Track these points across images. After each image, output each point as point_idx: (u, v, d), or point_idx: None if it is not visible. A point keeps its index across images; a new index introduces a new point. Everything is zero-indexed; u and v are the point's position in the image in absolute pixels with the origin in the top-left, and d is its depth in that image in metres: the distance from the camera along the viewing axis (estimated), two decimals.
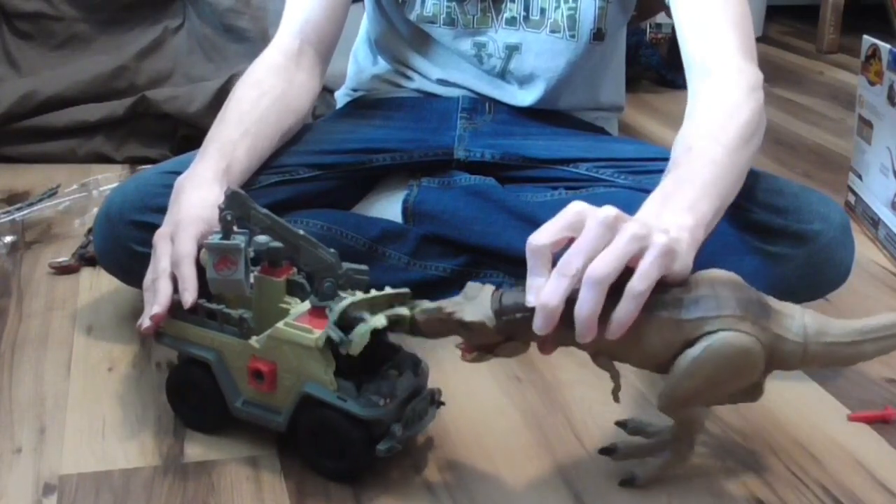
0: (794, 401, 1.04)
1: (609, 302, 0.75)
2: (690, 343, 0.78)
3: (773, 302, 0.81)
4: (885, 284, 1.34)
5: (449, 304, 0.81)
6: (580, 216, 0.77)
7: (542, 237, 0.77)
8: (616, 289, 0.75)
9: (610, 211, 0.77)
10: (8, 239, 1.39)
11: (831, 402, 1.04)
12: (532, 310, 0.77)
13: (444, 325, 0.81)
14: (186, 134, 1.75)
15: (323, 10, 1.20)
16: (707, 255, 1.08)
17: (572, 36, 1.20)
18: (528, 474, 0.91)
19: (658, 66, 2.34)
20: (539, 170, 1.22)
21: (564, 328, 0.77)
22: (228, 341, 0.91)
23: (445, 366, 1.05)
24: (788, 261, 1.05)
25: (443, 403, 0.93)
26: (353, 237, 1.16)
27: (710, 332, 0.77)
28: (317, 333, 0.86)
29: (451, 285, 1.19)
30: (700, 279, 0.80)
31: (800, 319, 0.81)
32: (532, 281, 0.77)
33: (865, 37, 1.48)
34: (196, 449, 0.94)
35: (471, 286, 0.82)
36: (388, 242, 1.18)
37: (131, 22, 1.86)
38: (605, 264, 0.75)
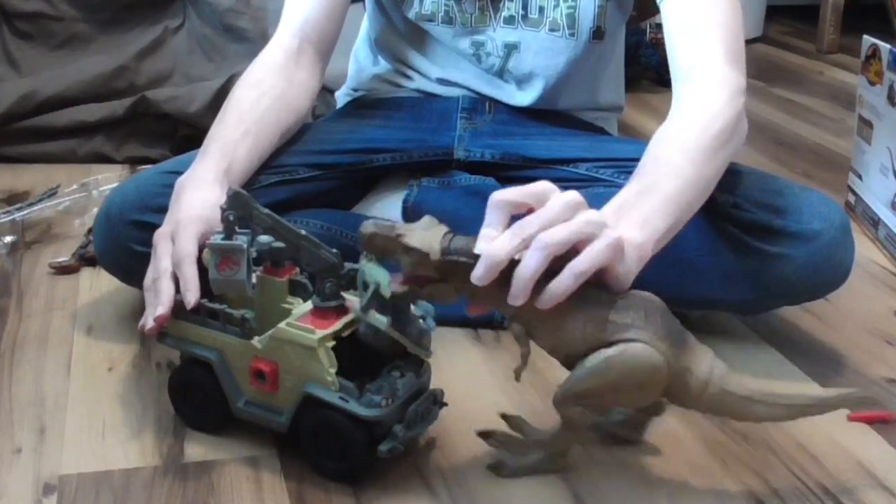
0: None
1: (546, 277, 0.78)
2: (607, 344, 0.80)
3: (691, 340, 0.83)
4: (885, 284, 1.34)
5: (401, 227, 0.82)
6: (546, 192, 0.80)
7: (505, 194, 0.80)
8: (557, 269, 0.78)
9: (575, 196, 0.80)
10: (8, 239, 1.39)
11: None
12: (476, 258, 0.78)
13: (389, 243, 0.81)
14: (186, 134, 1.75)
15: (322, 9, 1.20)
16: (706, 254, 1.09)
17: (571, 34, 1.20)
18: (527, 474, 0.91)
19: (658, 66, 2.34)
20: (539, 170, 1.22)
21: (498, 287, 0.78)
22: (230, 341, 0.91)
23: (445, 366, 1.05)
24: (789, 261, 1.05)
25: (445, 404, 0.93)
26: (353, 237, 1.16)
27: (629, 340, 0.80)
28: (319, 334, 0.86)
29: None
30: (636, 295, 0.82)
31: (709, 363, 0.82)
32: (485, 231, 0.80)
33: (865, 37, 1.48)
34: (196, 449, 0.94)
35: (429, 218, 0.83)
36: None
37: (131, 22, 1.86)
38: (557, 233, 0.77)
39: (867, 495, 0.89)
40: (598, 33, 1.21)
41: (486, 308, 0.86)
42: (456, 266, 0.80)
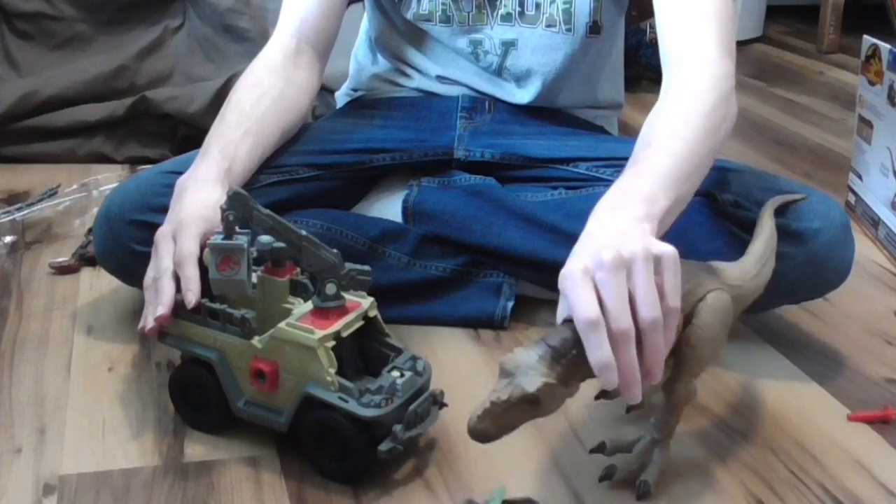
0: (794, 401, 1.04)
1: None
2: (690, 314, 0.84)
3: (711, 264, 0.90)
4: (885, 284, 1.34)
5: (498, 391, 0.74)
6: (586, 275, 0.76)
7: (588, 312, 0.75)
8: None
9: (611, 254, 0.76)
10: (8, 239, 1.39)
11: (831, 402, 1.04)
12: (578, 339, 0.74)
13: (512, 413, 0.74)
14: (186, 134, 1.75)
15: (319, 9, 1.20)
16: (706, 253, 1.08)
17: (568, 30, 1.20)
18: (528, 474, 0.91)
19: (658, 66, 2.33)
20: (539, 169, 1.22)
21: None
22: (231, 341, 0.91)
23: (445, 366, 1.05)
24: (788, 260, 1.05)
25: (445, 405, 0.93)
26: (353, 237, 1.17)
27: (702, 298, 0.85)
28: (319, 334, 0.86)
29: (451, 285, 1.19)
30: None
31: (731, 270, 0.90)
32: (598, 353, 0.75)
33: (865, 37, 1.48)
34: (196, 449, 0.94)
35: (503, 364, 0.76)
36: (388, 242, 1.18)
37: (131, 22, 1.86)
38: (654, 308, 0.75)
39: (867, 495, 0.89)
40: (594, 28, 1.21)
41: None
42: (571, 362, 0.75)
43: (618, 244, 0.77)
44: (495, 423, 0.74)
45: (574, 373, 0.76)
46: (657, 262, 0.77)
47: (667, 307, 0.76)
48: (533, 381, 0.73)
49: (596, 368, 0.74)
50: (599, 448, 0.90)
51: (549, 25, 1.20)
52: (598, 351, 0.73)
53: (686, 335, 0.83)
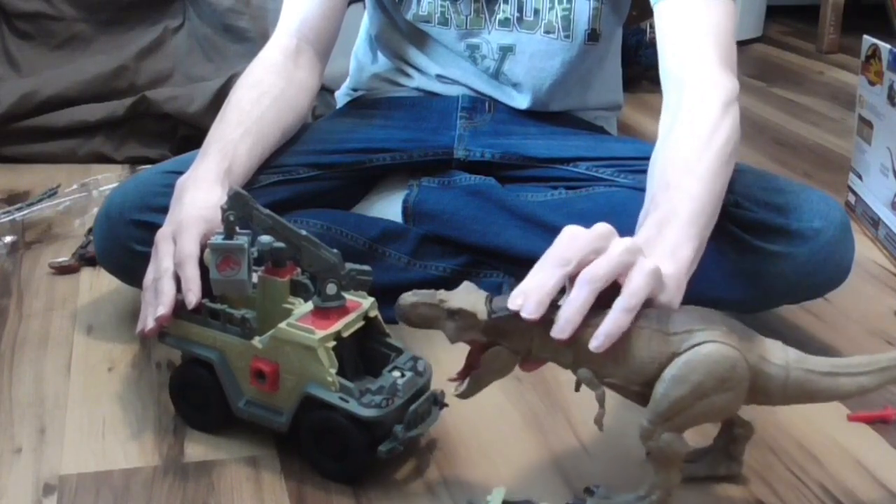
0: None
1: (592, 315, 0.76)
2: (678, 355, 0.77)
3: (757, 334, 0.81)
4: (885, 284, 1.34)
5: (441, 293, 0.81)
6: (575, 233, 0.79)
7: (552, 260, 0.78)
8: (601, 306, 0.76)
9: (604, 227, 0.78)
10: (8, 239, 1.39)
11: (831, 401, 1.04)
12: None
13: (432, 311, 0.80)
14: (186, 134, 1.75)
15: (320, 8, 1.20)
16: (706, 253, 1.08)
17: (567, 37, 1.20)
18: (528, 474, 0.91)
19: (657, 66, 2.34)
20: (539, 169, 1.22)
21: (548, 334, 0.77)
22: (231, 341, 0.91)
23: (445, 366, 1.04)
24: (789, 259, 1.05)
25: (446, 405, 0.93)
26: (353, 237, 1.17)
27: (699, 343, 0.77)
28: (319, 334, 0.86)
29: (451, 285, 1.18)
30: (687, 308, 0.81)
31: (782, 348, 0.80)
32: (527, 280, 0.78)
33: (865, 37, 1.48)
34: (196, 449, 0.94)
35: (467, 284, 0.83)
36: (388, 242, 1.18)
37: (131, 22, 1.86)
38: (600, 267, 0.76)
39: (867, 495, 0.89)
40: (593, 35, 1.21)
41: (542, 363, 0.83)
42: (505, 323, 0.78)
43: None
44: (418, 308, 0.81)
45: (502, 331, 0.79)
46: (657, 273, 0.77)
47: (624, 304, 0.76)
48: (468, 301, 0.80)
49: (517, 290, 0.77)
50: (587, 492, 0.87)
51: (547, 32, 1.20)
52: (535, 275, 0.77)
53: (660, 379, 0.77)
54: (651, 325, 0.78)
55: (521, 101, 1.25)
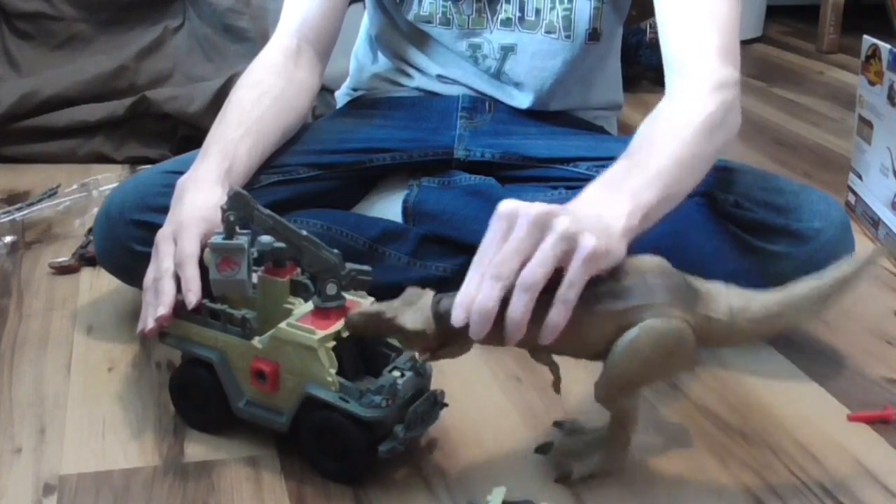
0: (794, 401, 1.04)
1: (542, 300, 0.78)
2: (625, 329, 0.80)
3: (699, 283, 0.84)
4: (885, 284, 1.34)
5: (386, 307, 0.83)
6: (511, 218, 0.79)
7: (486, 252, 0.79)
8: (547, 287, 0.78)
9: (540, 208, 0.79)
10: (8, 239, 1.39)
11: (831, 402, 1.04)
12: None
13: (381, 327, 0.83)
14: (186, 134, 1.75)
15: (320, 8, 1.20)
16: (707, 253, 1.09)
17: (568, 36, 1.20)
18: (527, 474, 0.91)
19: (658, 66, 2.33)
20: (539, 169, 1.22)
21: (500, 329, 0.78)
22: (231, 341, 0.91)
23: (445, 366, 1.04)
24: (789, 259, 1.05)
25: (446, 405, 0.93)
26: (353, 237, 1.17)
27: (644, 319, 0.80)
28: (319, 334, 0.86)
29: (451, 285, 1.18)
30: (629, 266, 0.82)
31: (725, 301, 0.83)
32: (466, 288, 0.79)
33: (865, 37, 1.48)
34: (196, 449, 0.94)
35: (410, 291, 0.84)
36: (388, 242, 1.18)
37: (131, 22, 1.86)
38: (534, 273, 0.77)
39: (867, 495, 0.89)
40: (594, 35, 1.21)
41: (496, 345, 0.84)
42: (453, 329, 0.80)
43: (570, 217, 0.79)
44: (367, 325, 0.83)
45: (452, 336, 0.81)
46: (595, 255, 0.78)
47: (563, 296, 0.77)
48: (416, 319, 0.81)
49: (459, 300, 0.78)
50: (546, 446, 0.92)
51: (548, 31, 1.20)
52: (467, 286, 0.78)
53: (609, 353, 0.81)
54: (598, 305, 0.80)
55: (523, 101, 1.25)
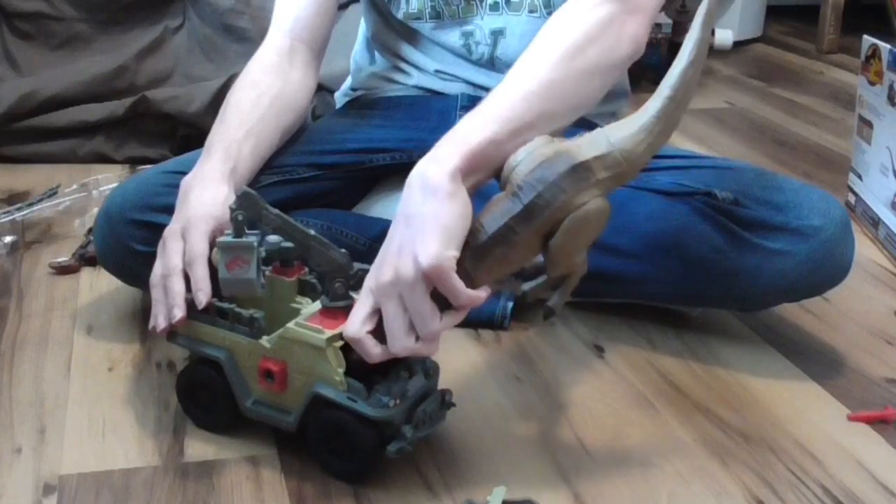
0: (794, 401, 1.04)
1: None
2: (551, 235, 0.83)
3: (577, 149, 0.85)
4: (885, 284, 1.34)
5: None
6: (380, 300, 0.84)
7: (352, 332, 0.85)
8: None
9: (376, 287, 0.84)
10: (8, 239, 1.39)
11: (831, 402, 1.04)
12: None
13: None
14: (186, 134, 1.75)
15: (312, 8, 1.20)
16: (706, 251, 1.08)
17: (549, 13, 1.20)
18: (527, 474, 0.91)
19: (658, 66, 2.34)
20: None
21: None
22: (239, 341, 0.91)
23: (446, 366, 1.04)
24: (789, 257, 1.05)
25: (453, 405, 0.93)
26: (354, 237, 1.17)
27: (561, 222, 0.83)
28: (327, 333, 0.86)
29: None
30: (513, 178, 0.85)
31: (602, 136, 0.85)
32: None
33: (865, 37, 1.48)
34: (196, 449, 0.94)
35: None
36: None
37: (131, 22, 1.86)
38: (399, 345, 0.83)
39: (867, 495, 0.89)
40: None
41: None
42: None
43: (395, 261, 0.82)
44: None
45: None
46: (430, 277, 0.81)
47: (432, 329, 0.83)
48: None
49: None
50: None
51: (531, 11, 1.21)
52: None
53: (552, 243, 0.83)
54: (515, 234, 0.83)
55: None
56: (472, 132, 0.87)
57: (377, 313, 0.84)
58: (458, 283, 0.82)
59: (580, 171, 0.83)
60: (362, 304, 0.85)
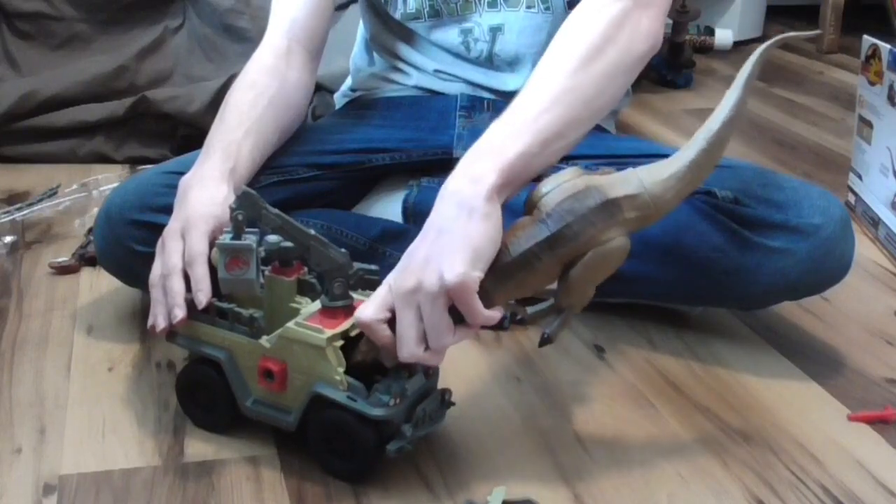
0: (794, 401, 1.04)
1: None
2: (571, 266, 0.84)
3: (609, 185, 0.85)
4: (884, 284, 1.34)
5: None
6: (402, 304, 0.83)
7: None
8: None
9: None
10: (8, 239, 1.39)
11: (831, 402, 1.04)
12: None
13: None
14: (186, 134, 1.75)
15: (309, 9, 1.20)
16: (706, 250, 1.08)
17: (546, 9, 1.21)
18: (528, 474, 0.91)
19: (658, 66, 2.34)
20: None
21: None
22: (239, 341, 0.91)
23: (446, 366, 1.04)
24: (789, 255, 1.05)
25: (453, 404, 0.93)
26: (354, 237, 1.17)
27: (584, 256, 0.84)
28: (327, 333, 0.86)
29: None
30: (542, 204, 0.85)
31: (634, 176, 0.86)
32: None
33: (865, 37, 1.48)
34: (196, 449, 0.94)
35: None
36: (388, 242, 1.18)
37: (131, 22, 1.86)
38: (408, 352, 0.83)
39: (867, 495, 0.89)
40: (572, 5, 1.20)
41: None
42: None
43: (419, 271, 0.82)
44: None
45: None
46: (452, 294, 0.81)
47: (442, 341, 0.83)
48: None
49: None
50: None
51: (529, 7, 1.21)
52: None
53: (571, 273, 0.84)
54: (539, 260, 0.83)
55: (517, 82, 1.25)
56: (505, 146, 0.87)
57: (391, 312, 0.84)
58: (478, 303, 0.82)
59: (610, 207, 0.84)
60: (380, 296, 0.84)
